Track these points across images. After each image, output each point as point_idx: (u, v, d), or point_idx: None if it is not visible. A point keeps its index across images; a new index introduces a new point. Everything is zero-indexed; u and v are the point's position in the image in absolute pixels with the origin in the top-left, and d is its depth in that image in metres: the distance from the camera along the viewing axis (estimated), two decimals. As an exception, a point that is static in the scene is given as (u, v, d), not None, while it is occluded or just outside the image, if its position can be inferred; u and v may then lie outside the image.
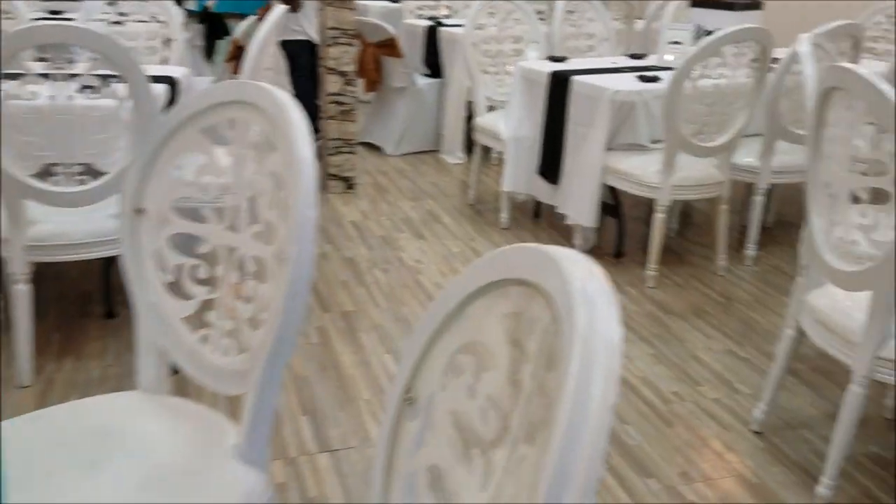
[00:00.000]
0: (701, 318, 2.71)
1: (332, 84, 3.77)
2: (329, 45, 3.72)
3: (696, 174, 2.88)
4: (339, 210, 3.70)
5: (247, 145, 1.20)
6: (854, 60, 2.88)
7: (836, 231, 1.74)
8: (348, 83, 3.78)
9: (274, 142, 1.15)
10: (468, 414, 0.69)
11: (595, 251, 3.26)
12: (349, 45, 3.72)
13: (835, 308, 1.78)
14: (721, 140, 2.81)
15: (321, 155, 4.03)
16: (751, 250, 3.14)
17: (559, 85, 3.13)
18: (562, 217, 3.23)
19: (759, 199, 3.03)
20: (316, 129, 4.25)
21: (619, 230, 3.24)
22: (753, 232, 3.11)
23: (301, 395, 2.17)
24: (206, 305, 1.26)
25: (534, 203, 3.59)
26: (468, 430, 0.69)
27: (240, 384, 1.19)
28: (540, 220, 3.64)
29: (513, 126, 3.34)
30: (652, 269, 2.94)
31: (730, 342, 2.55)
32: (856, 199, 1.67)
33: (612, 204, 3.23)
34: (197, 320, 1.27)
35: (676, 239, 3.45)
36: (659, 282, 2.98)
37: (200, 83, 3.43)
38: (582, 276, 0.58)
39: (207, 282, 1.28)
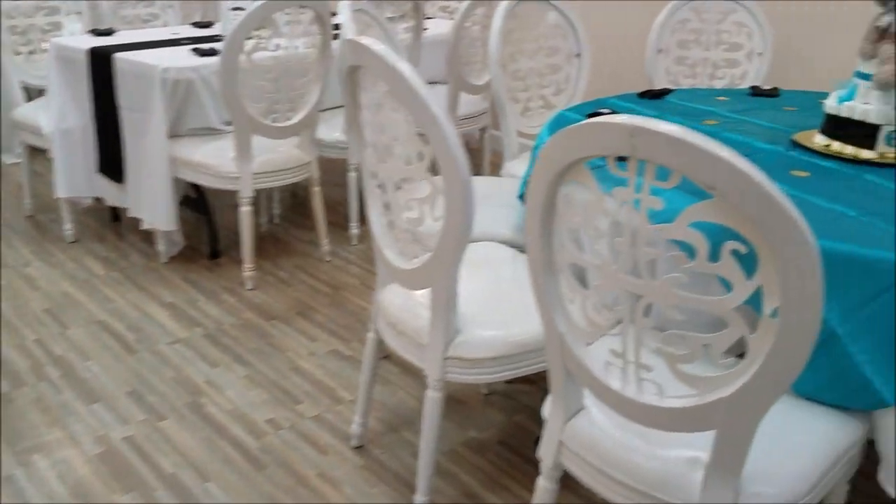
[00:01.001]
0: (306, 317, 2.45)
1: None
2: None
3: (277, 157, 2.57)
4: None
5: None
6: (418, 24, 2.81)
7: (393, 226, 1.55)
8: None
9: None
10: None
11: (187, 254, 2.80)
12: None
13: (404, 308, 1.61)
14: (297, 118, 2.53)
15: None
16: (354, 229, 2.97)
17: (101, 63, 2.56)
18: (141, 220, 2.71)
19: (352, 175, 2.86)
20: None
21: (210, 227, 2.82)
22: (353, 209, 2.94)
23: None
24: None
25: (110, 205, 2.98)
26: None
27: None
28: (120, 224, 3.05)
29: (55, 117, 2.68)
30: (248, 269, 2.59)
31: (335, 340, 2.33)
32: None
33: (195, 197, 2.79)
34: None
35: (282, 225, 3.16)
36: (260, 281, 2.65)
37: None
38: None
39: None
